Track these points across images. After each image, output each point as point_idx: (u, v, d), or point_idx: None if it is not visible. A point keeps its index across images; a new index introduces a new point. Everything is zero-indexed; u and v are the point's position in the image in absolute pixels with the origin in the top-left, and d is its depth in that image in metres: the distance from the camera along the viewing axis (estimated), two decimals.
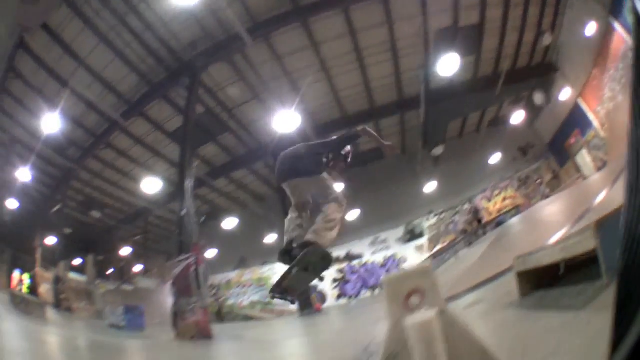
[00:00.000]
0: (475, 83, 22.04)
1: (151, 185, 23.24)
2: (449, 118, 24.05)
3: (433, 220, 28.21)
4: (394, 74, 21.36)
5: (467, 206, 27.60)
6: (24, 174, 25.08)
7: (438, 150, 25.10)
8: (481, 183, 27.18)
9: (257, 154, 25.63)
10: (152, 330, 16.45)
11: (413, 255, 27.74)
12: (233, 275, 36.36)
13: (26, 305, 13.48)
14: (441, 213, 28.23)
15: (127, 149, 25.69)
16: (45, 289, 27.73)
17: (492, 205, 27.10)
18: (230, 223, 30.83)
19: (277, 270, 31.16)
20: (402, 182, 28.52)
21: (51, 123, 19.20)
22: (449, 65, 18.00)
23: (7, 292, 18.93)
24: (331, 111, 23.27)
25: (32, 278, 29.94)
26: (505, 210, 25.92)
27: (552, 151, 26.26)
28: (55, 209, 31.86)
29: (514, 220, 20.68)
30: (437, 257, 23.80)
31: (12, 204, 30.66)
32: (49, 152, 24.45)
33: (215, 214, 31.72)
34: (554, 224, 9.85)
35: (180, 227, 14.11)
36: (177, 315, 12.95)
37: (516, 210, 24.98)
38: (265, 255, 33.26)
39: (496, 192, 27.20)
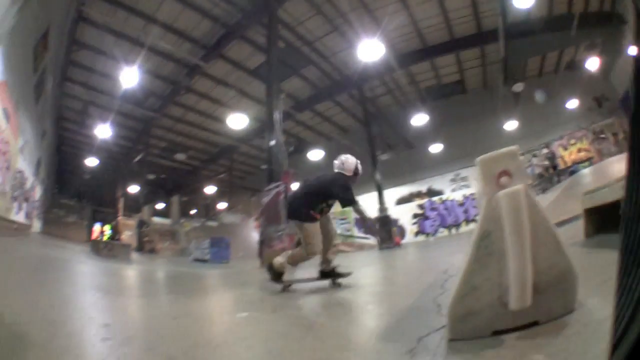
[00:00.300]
0: (551, 21, 20.97)
1: (237, 121, 23.40)
2: (528, 54, 23.35)
3: None
4: (471, 5, 20.65)
5: (544, 150, 26.61)
6: (103, 131, 25.99)
7: (518, 87, 24.33)
8: (558, 128, 26.02)
9: (340, 85, 25.52)
10: (236, 262, 16.72)
11: None
12: None
13: (109, 249, 13.74)
14: (520, 155, 26.98)
15: (209, 91, 26.22)
16: (127, 235, 28.71)
17: (567, 154, 26.01)
18: (316, 155, 30.87)
19: (360, 202, 31.81)
20: (483, 118, 27.78)
21: (126, 80, 19.64)
22: None
23: (89, 243, 19.59)
24: (411, 42, 22.64)
25: (114, 228, 31.06)
26: (578, 162, 25.02)
27: (624, 109, 24.34)
28: (138, 157, 32.91)
29: (586, 171, 20.55)
30: None
31: (91, 162, 31.96)
32: (128, 106, 25.33)
33: (300, 147, 31.97)
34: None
35: (269, 157, 14.18)
36: (264, 243, 13.11)
37: (589, 163, 24.09)
38: None
39: (572, 141, 26.03)
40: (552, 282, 2.49)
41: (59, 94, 24.91)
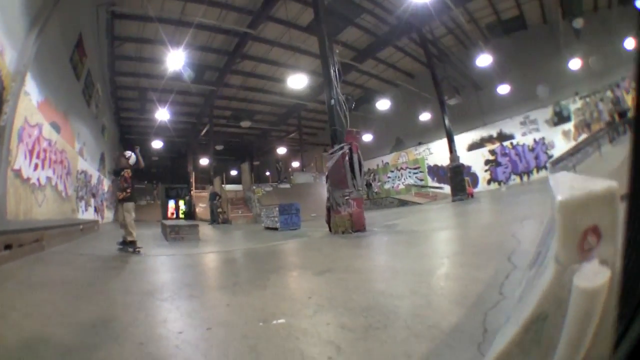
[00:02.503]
0: None
1: (297, 81, 23.65)
2: None
3: (579, 103, 25.77)
4: None
5: (609, 94, 24.76)
6: (162, 114, 27.36)
7: (578, 23, 23.75)
8: (621, 69, 23.69)
9: (398, 29, 24.74)
10: (306, 227, 16.52)
11: (560, 141, 25.88)
12: (389, 158, 36.93)
13: (176, 232, 13.92)
14: (586, 96, 25.56)
15: (265, 54, 26.41)
16: (201, 208, 29.38)
17: (630, 98, 24.07)
18: (383, 104, 31.23)
19: (433, 150, 32.16)
20: (546, 55, 26.98)
21: (175, 62, 20.03)
22: None
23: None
24: None
25: (187, 203, 31.87)
26: None
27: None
28: (204, 130, 33.54)
29: None
30: (581, 150, 21.69)
31: (156, 144, 33.19)
32: (184, 84, 25.81)
33: (368, 97, 31.85)
34: None
35: (331, 117, 13.67)
36: (331, 209, 12.77)
37: None
38: (419, 135, 33.89)
39: (633, 84, 24.06)
40: None
41: (112, 89, 25.65)
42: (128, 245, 9.84)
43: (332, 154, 12.96)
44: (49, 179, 12.06)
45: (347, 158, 12.58)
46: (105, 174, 23.55)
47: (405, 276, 5.65)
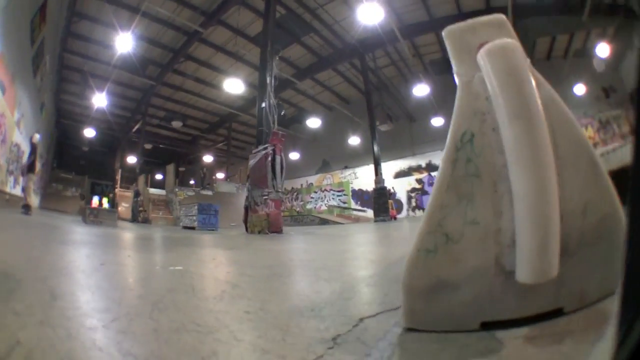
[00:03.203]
0: (562, 3, 20.55)
1: (233, 85, 23.51)
2: (536, 34, 22.79)
3: None
4: None
5: None
6: (99, 100, 26.05)
7: None
8: None
9: (342, 53, 24.93)
10: (225, 229, 16.60)
11: None
12: (314, 178, 37.03)
13: (95, 215, 13.94)
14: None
15: (209, 58, 26.12)
16: (124, 207, 28.80)
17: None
18: (314, 123, 31.10)
19: (359, 174, 32.40)
20: None
21: (122, 46, 19.63)
22: None
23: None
24: (417, 13, 21.77)
25: (111, 201, 31.16)
26: None
27: (633, 103, 23.79)
28: (136, 127, 32.87)
29: None
30: None
31: (89, 132, 32.50)
32: (127, 75, 25.47)
33: (300, 117, 32.02)
34: None
35: (259, 119, 13.91)
36: (249, 208, 12.85)
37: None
38: (347, 159, 33.82)
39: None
40: (588, 238, 1.52)
41: (59, 66, 24.89)
42: (25, 209, 11.94)
43: (255, 153, 13.10)
44: None
45: (269, 158, 12.68)
46: (38, 155, 22.68)
47: (318, 252, 5.89)
